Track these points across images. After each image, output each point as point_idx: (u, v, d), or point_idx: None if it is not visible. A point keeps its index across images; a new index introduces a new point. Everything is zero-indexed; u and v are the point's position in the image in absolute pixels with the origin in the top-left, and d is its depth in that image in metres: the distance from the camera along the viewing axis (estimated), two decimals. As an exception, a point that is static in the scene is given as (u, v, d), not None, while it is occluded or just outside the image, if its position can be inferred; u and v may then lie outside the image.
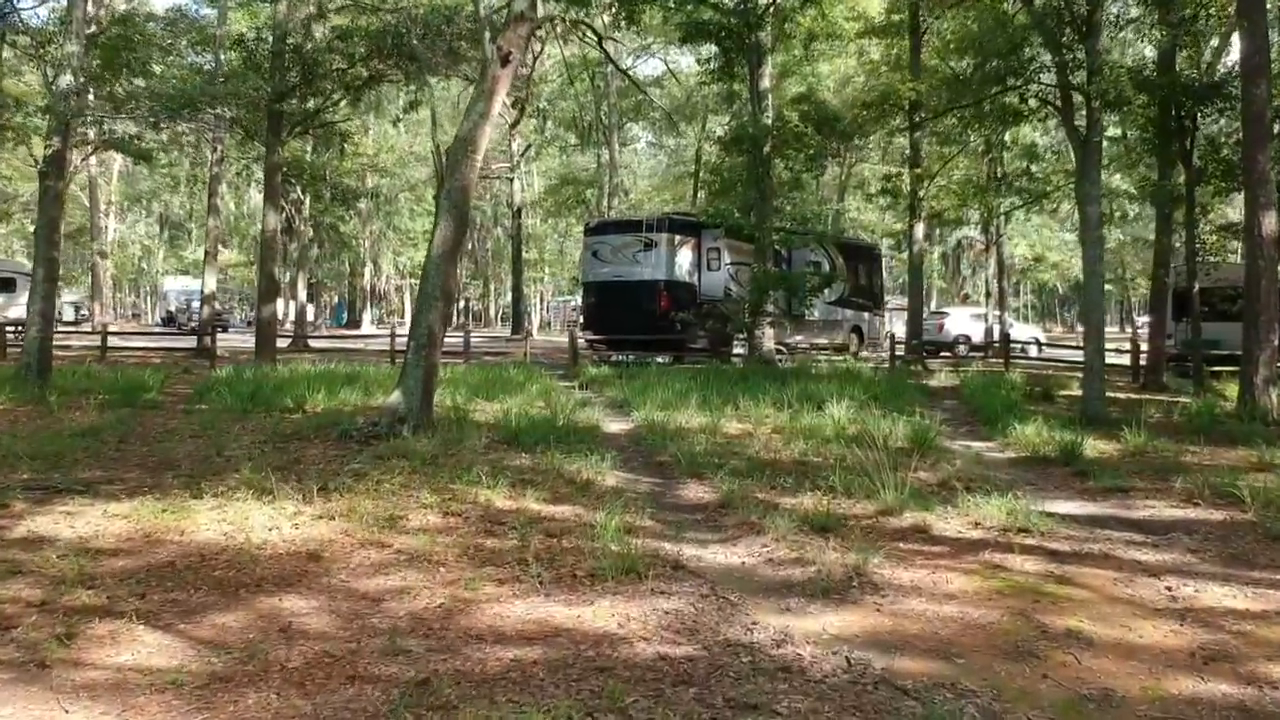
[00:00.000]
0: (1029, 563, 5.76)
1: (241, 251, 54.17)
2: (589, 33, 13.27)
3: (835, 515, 6.85)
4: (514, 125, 36.09)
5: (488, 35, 10.31)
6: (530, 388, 13.84)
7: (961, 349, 28.81)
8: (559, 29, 13.47)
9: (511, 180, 38.46)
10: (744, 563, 5.90)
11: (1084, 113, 12.65)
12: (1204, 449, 9.93)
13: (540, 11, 11.80)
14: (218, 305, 49.85)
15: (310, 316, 54.04)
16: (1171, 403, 14.13)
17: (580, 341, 22.79)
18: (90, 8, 13.50)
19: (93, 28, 13.72)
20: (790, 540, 6.18)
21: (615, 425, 11.58)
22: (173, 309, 52.45)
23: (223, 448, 9.28)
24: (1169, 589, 5.33)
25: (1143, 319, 49.83)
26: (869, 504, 7.21)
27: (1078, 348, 26.30)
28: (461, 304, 74.69)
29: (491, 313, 72.74)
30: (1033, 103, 14.42)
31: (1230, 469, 8.61)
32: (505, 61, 10.44)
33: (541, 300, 70.17)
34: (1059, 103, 13.05)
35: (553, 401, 12.62)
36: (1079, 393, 15.53)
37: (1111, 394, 13.58)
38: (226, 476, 7.87)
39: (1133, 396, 15.90)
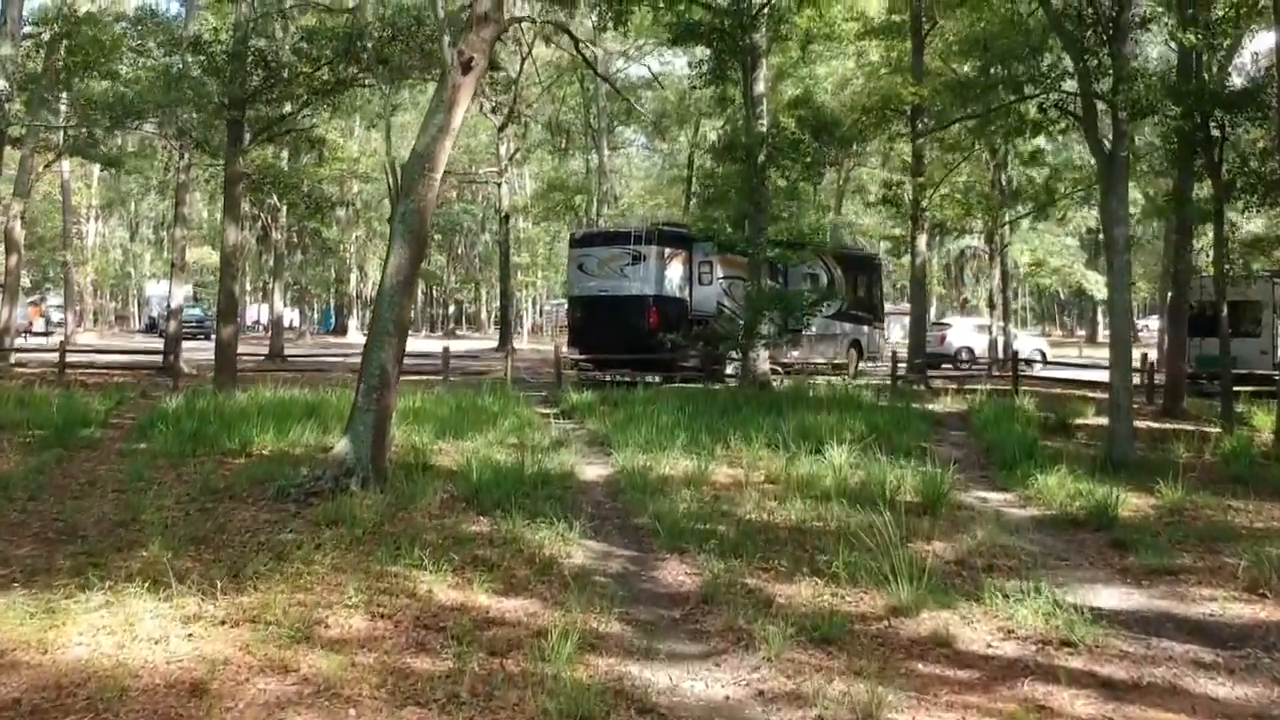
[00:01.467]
0: (1079, 700, 4.65)
1: (226, 256, 52.91)
2: (567, 38, 12.14)
3: (839, 615, 5.76)
4: (502, 128, 34.92)
5: (446, 39, 9.18)
6: (503, 422, 12.75)
7: (964, 362, 27.89)
8: (532, 33, 12.32)
9: (500, 185, 37.25)
10: (728, 696, 4.78)
11: (1109, 124, 11.56)
12: (1250, 503, 8.87)
13: (511, 12, 10.75)
14: (201, 311, 48.85)
15: (296, 323, 52.94)
16: (1200, 435, 13.06)
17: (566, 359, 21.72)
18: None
19: (28, 28, 12.60)
20: (786, 661, 5.07)
21: (593, 470, 10.50)
22: (155, 315, 51.46)
23: (140, 510, 8.12)
24: (1263, 748, 4.24)
25: (1143, 322, 48.75)
26: (878, 596, 6.11)
27: (1083, 366, 25.25)
28: (452, 308, 73.95)
29: (483, 316, 71.91)
30: (1052, 113, 13.33)
31: (1289, 537, 7.52)
32: (467, 68, 9.32)
33: (534, 304, 69.26)
34: (1080, 113, 11.96)
35: (526, 440, 11.55)
36: (1098, 421, 14.47)
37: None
38: (132, 554, 6.75)
39: (1154, 425, 14.85)
